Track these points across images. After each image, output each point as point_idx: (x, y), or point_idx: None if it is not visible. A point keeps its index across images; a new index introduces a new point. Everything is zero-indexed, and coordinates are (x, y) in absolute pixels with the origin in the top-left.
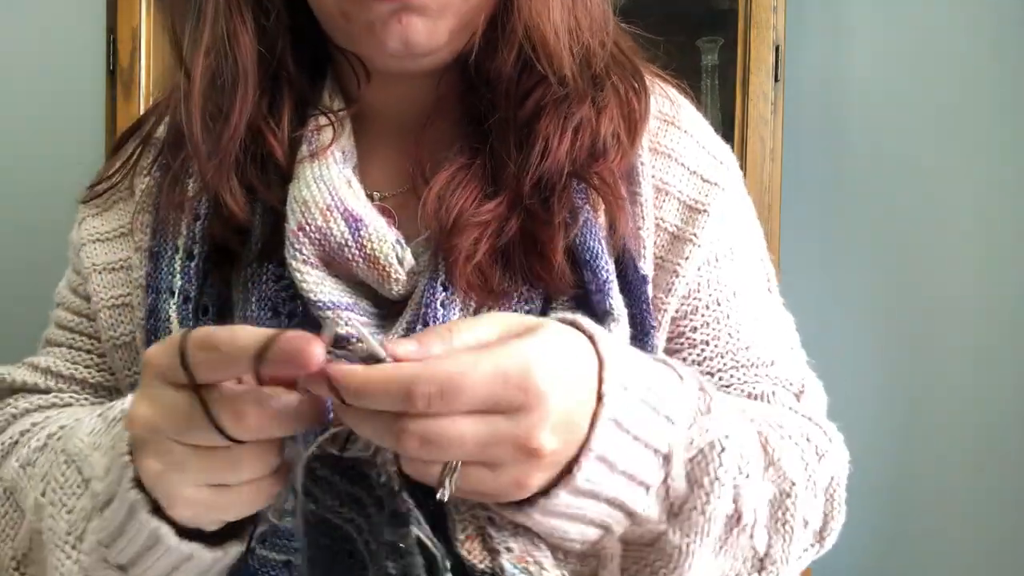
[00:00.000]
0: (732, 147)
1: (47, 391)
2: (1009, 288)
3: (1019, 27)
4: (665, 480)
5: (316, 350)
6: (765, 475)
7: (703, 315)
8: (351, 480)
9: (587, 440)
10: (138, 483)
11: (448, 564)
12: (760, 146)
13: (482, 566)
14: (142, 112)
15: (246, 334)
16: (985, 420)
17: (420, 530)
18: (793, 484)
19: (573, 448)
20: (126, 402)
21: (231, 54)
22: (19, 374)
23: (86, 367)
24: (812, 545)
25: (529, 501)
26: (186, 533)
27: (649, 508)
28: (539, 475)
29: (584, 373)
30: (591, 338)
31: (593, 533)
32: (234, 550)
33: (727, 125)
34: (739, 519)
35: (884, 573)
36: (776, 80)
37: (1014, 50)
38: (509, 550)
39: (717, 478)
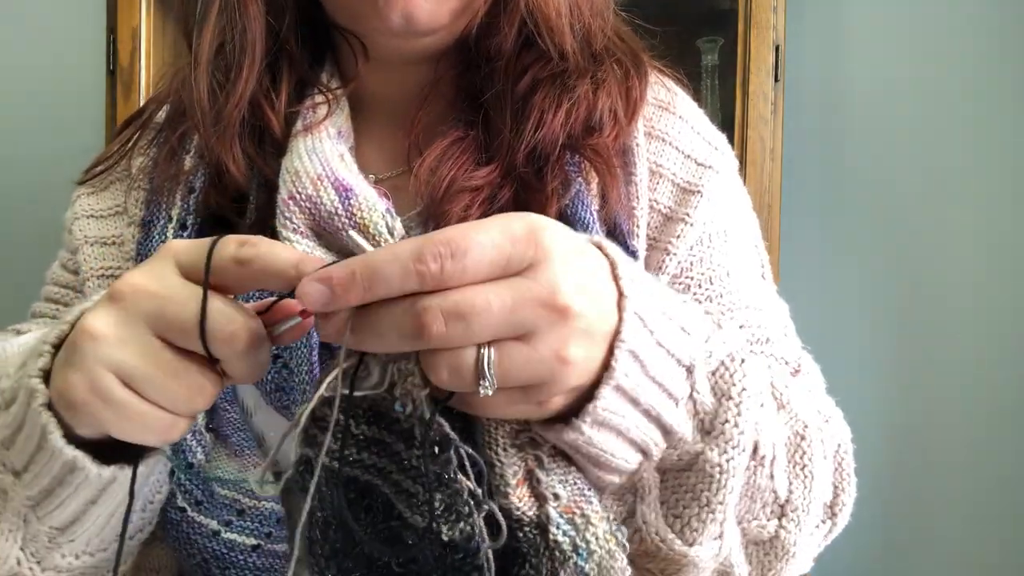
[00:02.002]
0: (732, 147)
1: None
2: (1009, 287)
3: (1019, 26)
4: (691, 395)
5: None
6: (777, 415)
7: (695, 294)
8: (368, 421)
9: (618, 331)
10: (44, 377)
11: (487, 488)
12: (760, 146)
13: (530, 514)
14: None
15: (286, 250)
16: (985, 419)
17: (463, 449)
18: (806, 426)
19: (605, 325)
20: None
21: (240, 23)
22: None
23: None
24: (824, 521)
25: (577, 414)
26: (77, 445)
27: (682, 424)
28: (576, 342)
29: (593, 258)
30: (598, 245)
31: (634, 458)
32: (120, 476)
33: (727, 125)
34: (757, 450)
35: (884, 573)
36: (776, 80)
37: (1014, 49)
38: (557, 497)
39: (744, 388)
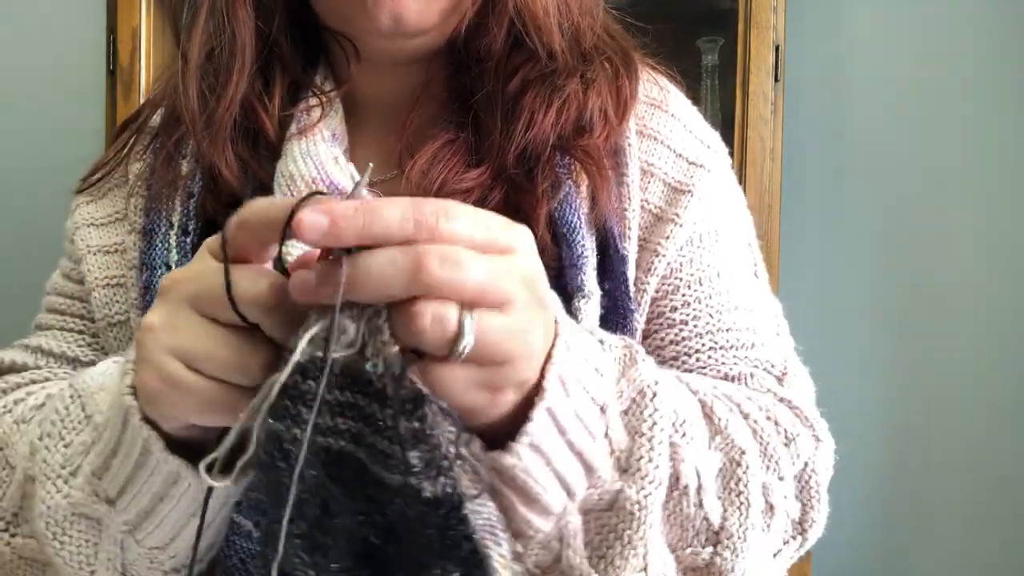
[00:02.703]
0: (732, 147)
1: (39, 369)
2: (1009, 287)
3: (1020, 26)
4: (606, 433)
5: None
6: (712, 443)
7: (683, 295)
8: (340, 387)
9: (550, 355)
10: (134, 393)
11: (470, 434)
12: (760, 146)
13: None
14: None
15: (276, 200)
16: (985, 419)
17: (436, 403)
18: (743, 452)
19: (549, 337)
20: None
21: (229, 27)
22: (10, 354)
23: (79, 346)
24: (793, 537)
25: (512, 436)
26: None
27: (601, 461)
28: (540, 331)
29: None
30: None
31: (560, 496)
32: (220, 483)
33: (727, 125)
34: (678, 480)
35: (884, 573)
36: (776, 80)
37: (1014, 49)
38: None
39: (655, 423)
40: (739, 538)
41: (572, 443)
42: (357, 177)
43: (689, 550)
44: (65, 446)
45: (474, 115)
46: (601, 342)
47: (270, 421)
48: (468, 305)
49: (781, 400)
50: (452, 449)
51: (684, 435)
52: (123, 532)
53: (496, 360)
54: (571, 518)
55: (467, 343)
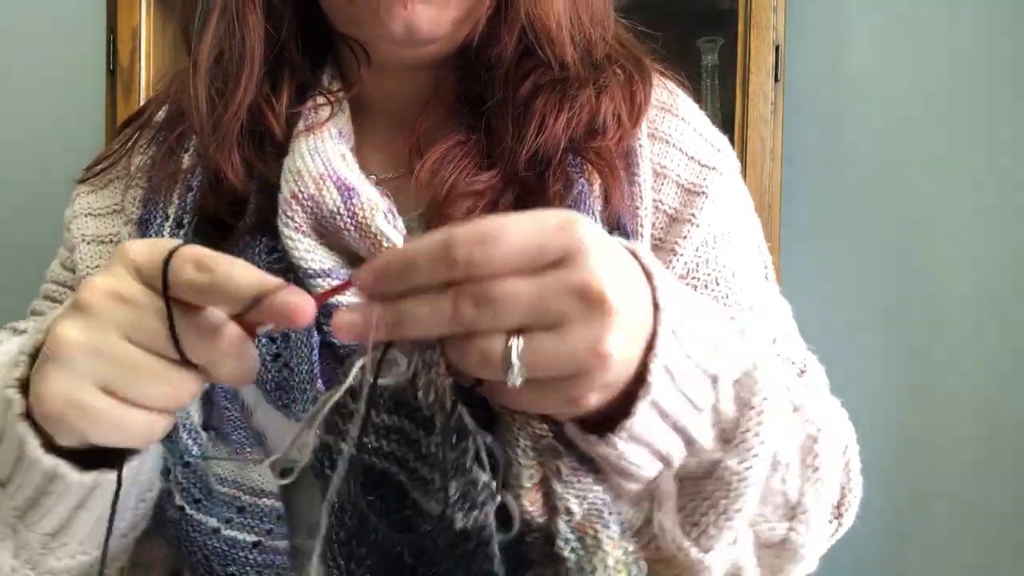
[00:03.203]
0: (732, 147)
1: None
2: (1009, 287)
3: (1019, 26)
4: (714, 404)
5: (310, 308)
6: (792, 419)
7: (701, 294)
8: (388, 410)
9: (652, 345)
10: (21, 387)
11: (502, 479)
12: (760, 146)
13: (540, 520)
14: None
15: (246, 274)
16: (986, 419)
17: (481, 438)
18: (819, 429)
19: (641, 329)
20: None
21: (239, 32)
22: None
23: None
24: (830, 521)
25: (612, 427)
26: (58, 453)
27: (704, 434)
28: (614, 337)
29: (633, 264)
30: (632, 252)
31: (656, 467)
32: (102, 481)
33: (727, 125)
34: (775, 455)
35: (884, 572)
36: (776, 80)
37: (1014, 50)
38: (569, 512)
39: (765, 397)
40: (813, 513)
41: (676, 423)
42: (359, 175)
43: (767, 525)
44: None
45: (484, 118)
46: (707, 306)
47: (320, 433)
48: (517, 332)
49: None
50: (490, 486)
51: (782, 411)
52: (13, 516)
53: (561, 377)
54: (664, 482)
55: (518, 374)
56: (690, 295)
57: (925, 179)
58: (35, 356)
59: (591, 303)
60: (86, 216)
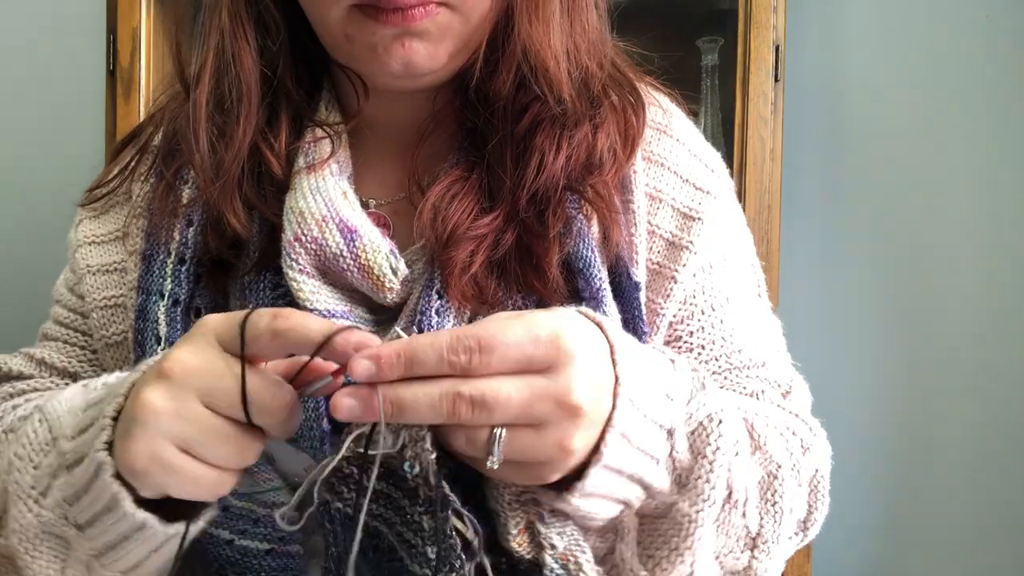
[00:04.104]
0: (732, 147)
1: (42, 379)
2: (1009, 287)
3: (1018, 26)
4: (671, 453)
5: (375, 344)
6: (753, 458)
7: (699, 320)
8: (379, 477)
9: (610, 418)
10: (109, 448)
11: (482, 543)
12: (760, 146)
13: (528, 557)
14: (142, 113)
15: (317, 319)
16: (985, 419)
17: (458, 510)
18: (779, 467)
19: (602, 414)
20: (108, 378)
21: (235, 75)
22: (15, 363)
23: (79, 362)
24: (796, 534)
25: (568, 488)
26: (141, 504)
27: (661, 480)
28: (580, 435)
29: (601, 351)
30: (599, 325)
31: (616, 510)
32: (183, 530)
33: (727, 125)
34: (731, 495)
35: (884, 573)
36: (776, 80)
37: (1013, 50)
38: (553, 546)
39: (718, 448)
40: (772, 542)
41: (633, 475)
42: (361, 214)
43: (730, 556)
44: (35, 468)
45: (484, 154)
46: (672, 361)
47: (320, 492)
48: (502, 425)
49: (791, 414)
50: (468, 550)
51: (738, 455)
52: (89, 555)
53: (530, 463)
54: (626, 518)
55: (496, 460)
56: (651, 355)
57: (925, 179)
58: (116, 418)
59: (567, 411)
60: (89, 245)
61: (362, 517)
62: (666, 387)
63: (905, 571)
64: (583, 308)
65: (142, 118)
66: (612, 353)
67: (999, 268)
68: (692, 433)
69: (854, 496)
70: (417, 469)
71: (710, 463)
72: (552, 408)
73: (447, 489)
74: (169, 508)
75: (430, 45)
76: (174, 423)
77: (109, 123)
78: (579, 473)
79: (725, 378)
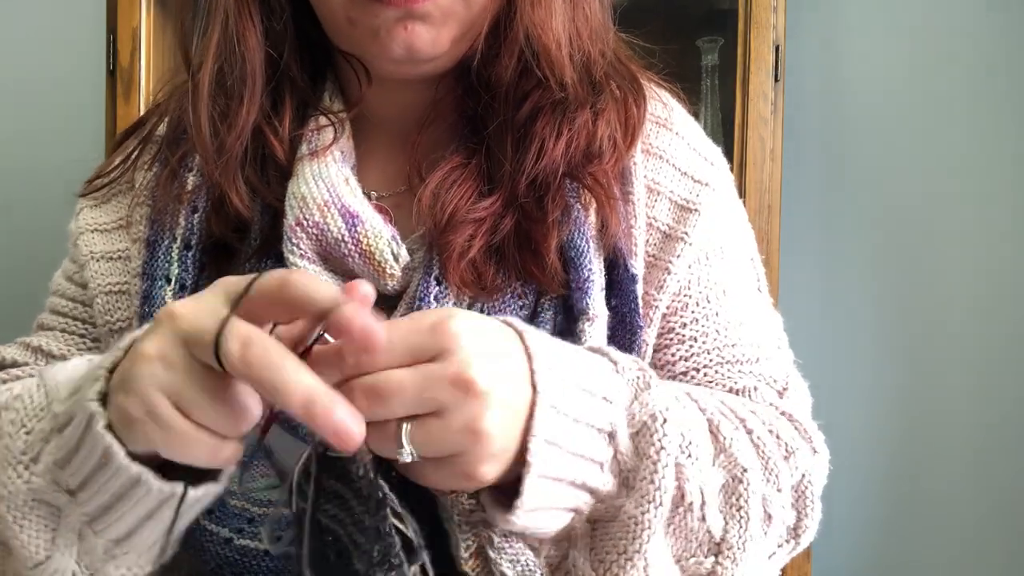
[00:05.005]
0: (732, 147)
1: (38, 366)
2: (1009, 286)
3: (1019, 26)
4: (615, 455)
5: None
6: (716, 461)
7: (692, 312)
8: (336, 477)
9: (529, 427)
10: (102, 401)
11: (423, 542)
12: (760, 146)
13: None
14: (142, 112)
15: (326, 290)
16: (985, 420)
17: (396, 510)
18: (745, 470)
19: (519, 400)
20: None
21: (239, 55)
22: (10, 352)
23: (78, 349)
24: (787, 541)
25: (509, 507)
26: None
27: (607, 484)
28: (488, 415)
29: (509, 342)
30: (520, 334)
31: (566, 518)
32: (179, 492)
33: (727, 125)
34: (683, 496)
35: (882, 572)
36: (776, 80)
37: (1014, 50)
38: (503, 575)
39: (662, 447)
40: (739, 548)
41: (574, 481)
42: (363, 200)
43: (692, 560)
44: (27, 433)
45: (484, 140)
46: (615, 363)
47: (296, 498)
48: (408, 418)
49: (782, 414)
50: (406, 548)
51: (689, 456)
52: (82, 522)
53: (447, 455)
54: (577, 524)
55: (407, 452)
56: (585, 360)
57: (925, 179)
58: (112, 371)
59: (464, 389)
60: (92, 232)
61: (308, 517)
62: (603, 390)
63: (905, 571)
64: (510, 318)
65: None
66: (530, 362)
67: (999, 267)
68: (636, 434)
69: (854, 496)
70: (361, 470)
71: (654, 463)
72: (448, 389)
73: (385, 488)
74: (169, 474)
75: (432, 29)
76: (161, 370)
77: (109, 123)
78: (515, 490)
79: (716, 372)
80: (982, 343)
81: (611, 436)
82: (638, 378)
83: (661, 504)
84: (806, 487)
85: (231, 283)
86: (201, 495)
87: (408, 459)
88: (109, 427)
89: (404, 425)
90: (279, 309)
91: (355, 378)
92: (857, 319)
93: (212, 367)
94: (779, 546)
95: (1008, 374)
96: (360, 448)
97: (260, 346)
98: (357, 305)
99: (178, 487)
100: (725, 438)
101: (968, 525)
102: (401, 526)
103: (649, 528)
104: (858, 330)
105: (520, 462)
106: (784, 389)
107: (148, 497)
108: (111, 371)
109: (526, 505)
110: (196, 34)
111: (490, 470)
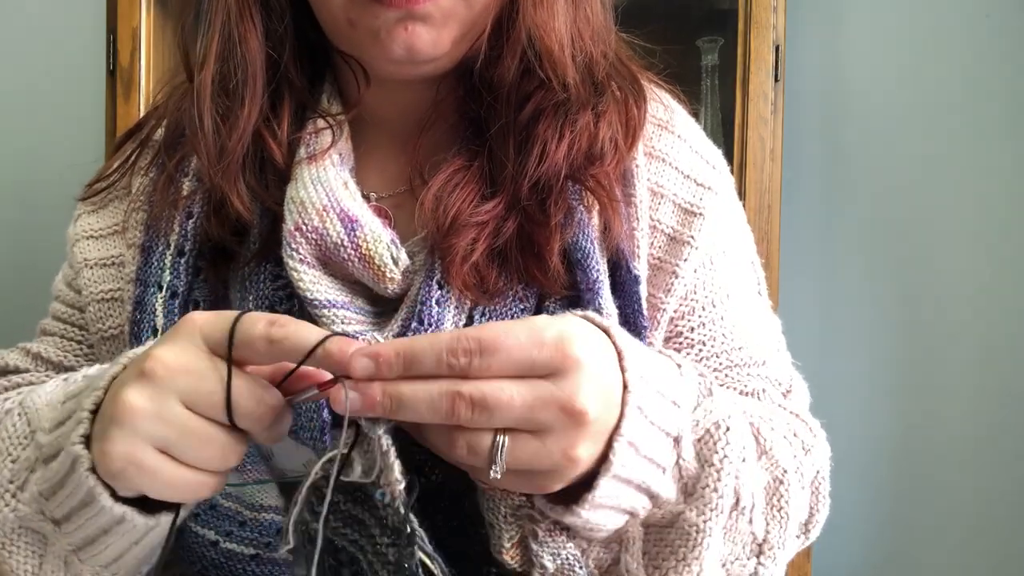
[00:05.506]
0: (732, 147)
1: (38, 373)
2: (1009, 286)
3: (1018, 26)
4: (677, 461)
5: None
6: (758, 463)
7: (700, 316)
8: (354, 501)
9: (618, 426)
10: (85, 443)
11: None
12: (760, 146)
13: (520, 570)
14: (142, 112)
15: (312, 328)
16: (985, 419)
17: (424, 550)
18: (785, 472)
19: (610, 422)
20: (89, 370)
21: (240, 56)
22: (11, 357)
23: (75, 356)
24: (798, 536)
25: (576, 499)
26: (119, 498)
27: (668, 489)
28: (585, 444)
29: (609, 359)
30: (606, 331)
31: (622, 520)
32: (165, 522)
33: (727, 125)
34: (738, 502)
35: (882, 572)
36: (776, 80)
37: (1014, 50)
38: (543, 567)
39: (725, 455)
40: (779, 548)
41: (640, 484)
42: (362, 204)
43: (737, 563)
44: (12, 461)
45: (486, 143)
46: (679, 366)
47: (304, 513)
48: (504, 430)
49: (791, 414)
50: None
51: (744, 460)
52: (67, 551)
53: (533, 472)
54: (631, 528)
55: (499, 470)
56: (659, 362)
57: (925, 179)
58: (95, 411)
59: (573, 417)
60: (88, 239)
61: (320, 537)
62: (673, 393)
63: (905, 571)
64: (590, 313)
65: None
66: (620, 360)
67: (999, 267)
68: (699, 441)
69: (854, 496)
70: (388, 498)
71: (717, 471)
72: (556, 414)
73: (415, 524)
74: (150, 499)
75: (433, 30)
76: (153, 425)
77: (109, 123)
78: (584, 483)
79: (726, 375)
80: (981, 343)
81: (676, 441)
82: (700, 383)
83: (722, 512)
84: (820, 483)
85: (206, 327)
86: (187, 514)
87: (498, 475)
88: (93, 469)
89: (501, 440)
90: (264, 358)
91: (457, 379)
92: (857, 318)
93: (208, 419)
94: (791, 541)
95: (1007, 374)
96: (389, 479)
97: (267, 395)
98: (340, 338)
99: (164, 517)
100: (765, 440)
101: (967, 524)
102: (430, 564)
103: (709, 535)
104: (858, 329)
105: (592, 473)
106: (789, 391)
107: (134, 530)
108: (93, 411)
109: (595, 501)
110: (197, 34)
111: (560, 486)
